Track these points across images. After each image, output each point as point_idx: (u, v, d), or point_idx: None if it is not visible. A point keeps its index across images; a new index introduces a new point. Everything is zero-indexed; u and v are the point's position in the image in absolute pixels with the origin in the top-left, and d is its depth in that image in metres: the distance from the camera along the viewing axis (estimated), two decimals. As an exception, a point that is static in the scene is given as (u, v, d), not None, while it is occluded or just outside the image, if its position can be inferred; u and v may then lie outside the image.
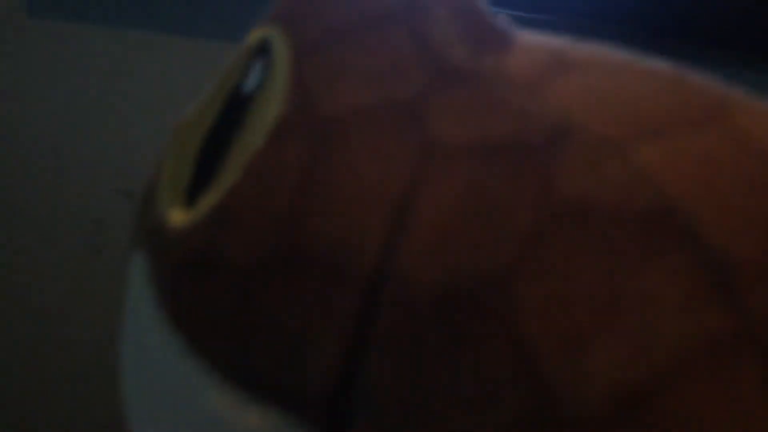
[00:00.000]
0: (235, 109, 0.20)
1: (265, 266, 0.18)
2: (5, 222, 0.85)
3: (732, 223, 0.16)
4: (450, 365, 0.16)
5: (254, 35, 0.20)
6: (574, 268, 0.16)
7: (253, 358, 0.18)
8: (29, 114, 0.83)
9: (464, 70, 0.18)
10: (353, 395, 0.17)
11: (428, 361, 0.16)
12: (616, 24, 0.79)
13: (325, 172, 0.18)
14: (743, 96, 0.18)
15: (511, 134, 0.17)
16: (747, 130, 0.17)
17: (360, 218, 0.17)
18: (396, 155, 0.17)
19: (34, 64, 0.81)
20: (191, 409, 0.19)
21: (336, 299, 0.17)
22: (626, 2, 0.80)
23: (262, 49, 0.19)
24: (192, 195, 0.20)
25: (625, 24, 0.79)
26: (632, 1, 0.79)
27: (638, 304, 0.16)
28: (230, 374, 0.19)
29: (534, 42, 0.19)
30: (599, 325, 0.16)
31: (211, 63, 0.80)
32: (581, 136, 0.16)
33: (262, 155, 0.18)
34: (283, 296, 0.18)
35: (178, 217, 0.20)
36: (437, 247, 0.17)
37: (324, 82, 0.18)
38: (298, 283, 0.18)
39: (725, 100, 0.17)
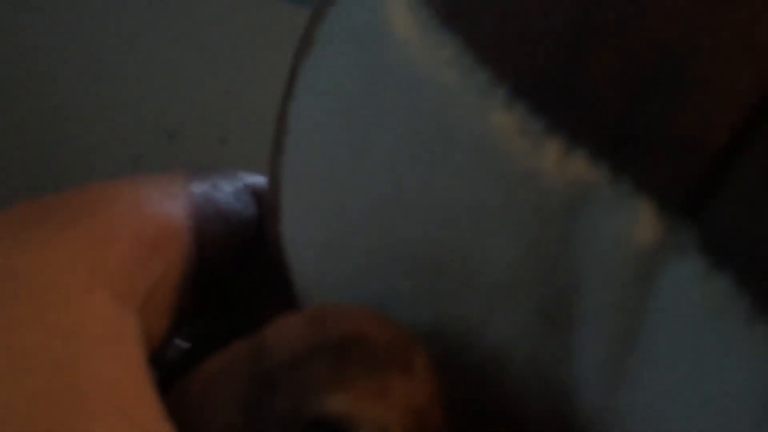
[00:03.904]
0: None
1: None
2: (46, 154, 0.84)
3: None
4: None
5: None
6: None
7: (574, 78, 0.14)
8: (71, 49, 0.82)
9: None
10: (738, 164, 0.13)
11: None
12: None
13: None
14: None
15: None
16: None
17: None
18: None
19: (83, 6, 0.80)
20: (454, 129, 0.15)
21: None
22: None
23: None
24: None
25: None
26: None
27: None
28: (525, 93, 0.14)
29: None
30: None
31: (254, 12, 0.79)
32: None
33: None
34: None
35: None
36: None
37: None
38: None
39: None
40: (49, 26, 0.82)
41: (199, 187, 0.20)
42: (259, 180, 0.22)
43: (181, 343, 0.24)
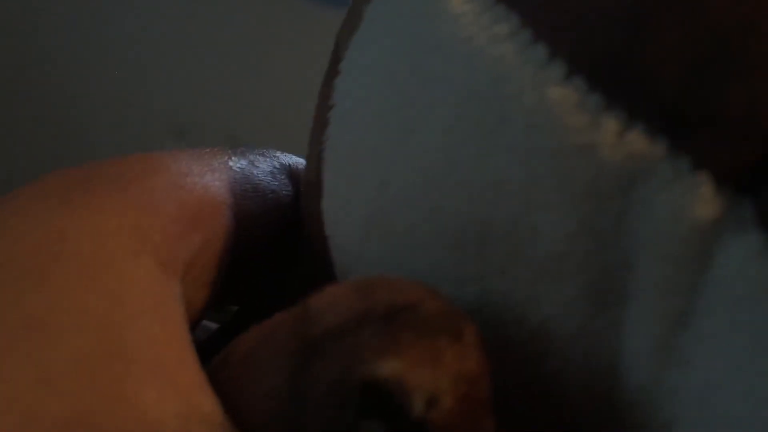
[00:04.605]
0: None
1: None
2: (55, 152, 0.84)
3: None
4: None
5: None
6: None
7: (632, 54, 0.14)
8: (80, 47, 0.82)
9: None
10: None
11: None
12: None
13: None
14: None
15: None
16: None
17: None
18: None
19: (92, 3, 0.80)
20: (509, 103, 0.15)
21: None
22: None
23: None
24: None
25: None
26: None
27: None
28: (583, 68, 0.14)
29: None
30: None
31: (263, 8, 0.79)
32: None
33: None
34: None
35: None
36: None
37: None
38: None
39: None
40: (58, 23, 0.82)
41: (237, 164, 0.20)
42: (295, 160, 0.22)
43: (209, 324, 0.23)
